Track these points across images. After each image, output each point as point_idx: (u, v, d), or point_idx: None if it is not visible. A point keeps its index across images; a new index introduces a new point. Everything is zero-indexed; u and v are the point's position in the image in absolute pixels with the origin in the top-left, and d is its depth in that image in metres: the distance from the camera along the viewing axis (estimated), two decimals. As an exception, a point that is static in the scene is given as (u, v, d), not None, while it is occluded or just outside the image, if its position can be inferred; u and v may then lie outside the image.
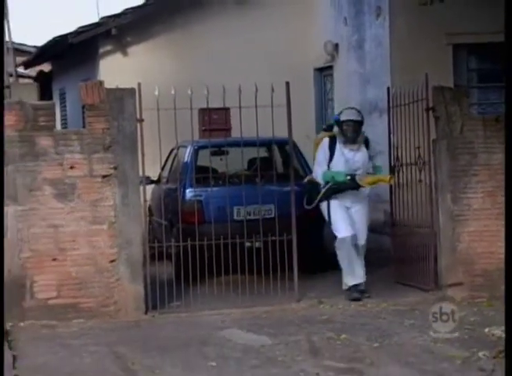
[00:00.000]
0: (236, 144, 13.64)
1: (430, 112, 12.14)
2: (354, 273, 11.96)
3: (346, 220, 11.79)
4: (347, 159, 11.68)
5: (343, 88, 18.47)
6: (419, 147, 12.24)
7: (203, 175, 13.79)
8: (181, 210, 13.19)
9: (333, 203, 11.89)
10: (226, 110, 13.44)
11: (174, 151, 14.54)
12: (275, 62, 16.22)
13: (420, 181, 12.32)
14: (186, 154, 14.28)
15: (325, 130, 12.91)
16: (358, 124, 11.68)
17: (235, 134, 14.33)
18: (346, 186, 11.58)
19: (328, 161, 11.88)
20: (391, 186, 12.94)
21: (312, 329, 10.16)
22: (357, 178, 11.59)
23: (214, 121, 15.02)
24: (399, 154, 12.77)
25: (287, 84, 12.14)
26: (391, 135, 13.03)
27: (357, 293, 11.84)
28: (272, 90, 11.51)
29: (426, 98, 12.10)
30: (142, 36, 18.31)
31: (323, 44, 18.69)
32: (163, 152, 12.73)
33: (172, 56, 17.62)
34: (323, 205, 12.07)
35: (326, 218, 12.19)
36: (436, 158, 12.11)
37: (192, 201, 13.48)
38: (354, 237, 11.92)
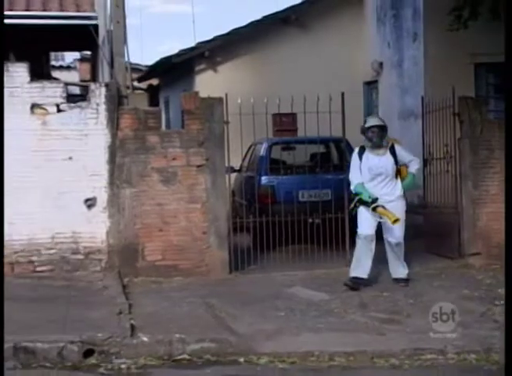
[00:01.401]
0: (301, 142, 13.80)
1: (456, 117, 12.13)
2: (359, 267, 10.46)
3: (369, 220, 10.35)
4: (371, 166, 10.39)
5: (386, 98, 18.38)
6: (447, 145, 12.26)
7: (275, 166, 13.91)
8: (257, 193, 13.30)
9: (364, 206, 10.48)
10: (294, 114, 13.44)
11: (253, 147, 14.69)
12: (332, 76, 16.17)
13: (447, 171, 12.33)
14: (262, 149, 14.31)
15: None
16: (382, 129, 10.51)
17: (300, 134, 14.39)
18: (366, 205, 10.22)
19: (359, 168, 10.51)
20: (424, 176, 12.88)
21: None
22: (376, 204, 10.07)
23: (284, 123, 15.02)
24: (431, 150, 12.76)
25: (342, 94, 12.13)
26: (424, 135, 13.01)
27: (352, 283, 10.36)
28: (330, 99, 11.54)
29: (453, 106, 12.09)
30: (228, 57, 18.34)
31: (371, 63, 18.62)
32: (243, 147, 12.86)
33: (252, 72, 17.63)
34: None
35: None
36: (460, 153, 12.13)
37: (266, 186, 13.56)
38: (371, 236, 10.42)
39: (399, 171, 10.54)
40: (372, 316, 8.97)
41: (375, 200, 10.08)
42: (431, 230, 12.89)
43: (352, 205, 10.51)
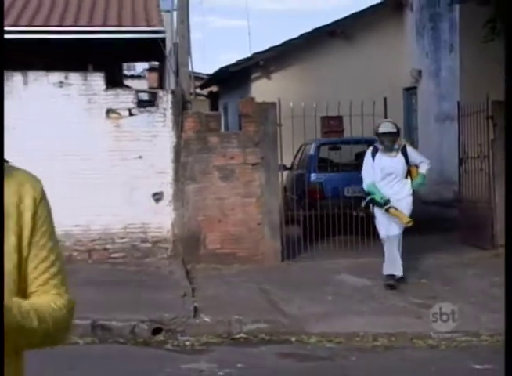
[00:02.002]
0: (347, 142, 13.77)
1: (490, 120, 12.02)
2: (393, 265, 9.83)
3: (384, 224, 9.86)
4: (383, 166, 9.91)
5: (424, 103, 18.21)
6: (481, 145, 12.15)
7: (323, 164, 13.91)
8: (307, 189, 13.28)
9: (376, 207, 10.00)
10: (340, 117, 13.36)
11: (303, 147, 14.68)
12: (375, 83, 16.04)
13: (481, 170, 12.21)
14: (311, 149, 14.28)
15: None
16: (394, 135, 10.01)
17: (346, 135, 14.36)
18: (378, 205, 9.77)
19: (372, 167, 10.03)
20: (459, 174, 12.80)
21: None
22: (389, 205, 9.65)
23: (332, 125, 14.89)
24: (466, 150, 12.67)
25: (385, 99, 12.14)
26: (460, 137, 12.92)
27: (393, 281, 9.76)
28: (374, 103, 11.52)
29: (486, 109, 11.97)
30: (281, 66, 18.31)
31: (410, 71, 18.45)
32: (294, 147, 12.89)
33: (302, 79, 17.59)
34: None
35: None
36: (493, 153, 11.99)
37: (315, 183, 13.54)
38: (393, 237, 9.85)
39: (410, 171, 10.14)
40: (411, 301, 8.96)
41: (387, 201, 9.70)
42: (466, 223, 12.79)
43: (364, 204, 10.23)
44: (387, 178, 9.93)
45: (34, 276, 1.85)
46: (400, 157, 9.94)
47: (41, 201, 1.89)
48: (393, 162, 9.90)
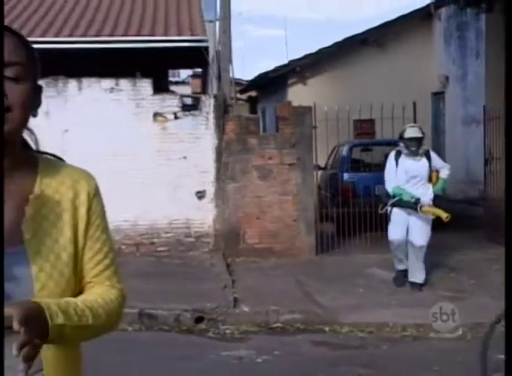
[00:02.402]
0: (378, 144, 13.71)
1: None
2: (414, 273, 9.25)
3: (399, 227, 9.20)
4: (408, 169, 9.29)
5: (451, 106, 18.10)
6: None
7: (355, 165, 13.87)
8: (340, 187, 13.24)
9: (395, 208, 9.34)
10: (372, 120, 13.37)
11: (336, 148, 14.60)
12: (404, 88, 15.91)
13: (505, 170, 12.07)
14: (344, 150, 14.23)
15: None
16: (420, 140, 9.47)
17: (377, 137, 14.32)
18: (408, 205, 9.08)
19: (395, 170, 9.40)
20: (485, 173, 12.67)
21: (427, 269, 10.07)
22: (420, 203, 9.02)
23: (364, 128, 14.98)
24: (491, 151, 12.53)
25: (414, 103, 12.07)
26: (486, 139, 12.79)
27: (402, 278, 9.39)
28: (403, 107, 11.47)
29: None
30: (316, 72, 18.27)
31: (438, 76, 18.37)
32: (328, 149, 12.86)
33: (336, 84, 17.53)
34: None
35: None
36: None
37: (348, 182, 13.49)
38: (402, 241, 9.29)
39: (430, 176, 9.63)
40: (438, 294, 8.87)
41: (418, 200, 9.03)
42: (491, 221, 12.65)
43: (387, 207, 9.37)
44: (412, 181, 9.42)
45: (89, 267, 1.88)
46: (424, 161, 9.47)
47: (95, 197, 1.91)
48: (418, 165, 9.41)
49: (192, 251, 11.24)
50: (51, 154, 1.94)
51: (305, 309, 8.22)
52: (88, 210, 1.88)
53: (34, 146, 1.92)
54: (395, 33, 18.55)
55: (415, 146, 9.34)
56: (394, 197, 9.21)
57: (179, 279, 9.26)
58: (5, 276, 1.63)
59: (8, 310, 1.54)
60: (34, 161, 1.87)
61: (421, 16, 18.85)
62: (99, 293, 1.85)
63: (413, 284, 9.25)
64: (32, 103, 1.77)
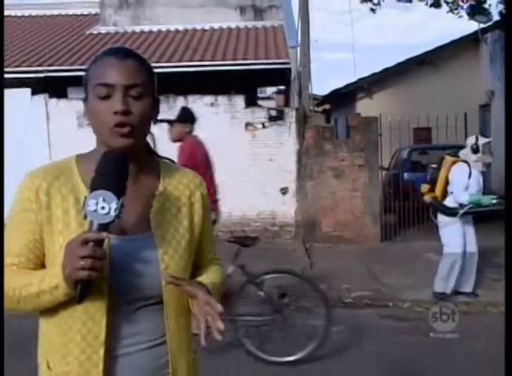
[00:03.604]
0: (434, 148, 13.35)
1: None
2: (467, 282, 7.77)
3: (460, 237, 7.54)
4: (479, 180, 7.44)
5: (496, 117, 17.62)
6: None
7: (414, 166, 13.60)
8: (401, 185, 12.99)
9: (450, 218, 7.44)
10: (429, 128, 13.09)
11: (398, 152, 14.35)
12: (456, 101, 15.48)
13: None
14: (405, 153, 14.00)
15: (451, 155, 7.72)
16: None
17: (433, 142, 14.01)
18: (489, 208, 7.30)
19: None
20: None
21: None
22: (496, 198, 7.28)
23: (421, 135, 14.70)
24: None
25: (465, 114, 11.74)
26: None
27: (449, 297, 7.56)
28: (456, 117, 11.20)
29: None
30: (380, 88, 18.09)
31: (485, 91, 17.92)
32: (391, 152, 12.65)
33: (398, 98, 17.27)
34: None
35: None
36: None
37: (408, 181, 13.20)
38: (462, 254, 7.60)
39: None
40: (486, 276, 8.61)
41: (496, 198, 7.33)
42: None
43: (462, 212, 7.30)
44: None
45: (206, 251, 1.98)
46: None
47: (205, 195, 1.97)
48: (481, 178, 7.59)
49: (277, 238, 11.22)
50: (167, 158, 1.98)
51: (372, 287, 8.11)
52: (203, 206, 1.93)
53: (153, 149, 1.95)
54: (448, 55, 18.27)
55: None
56: (470, 205, 7.30)
57: (266, 261, 9.20)
58: (137, 258, 1.71)
59: (192, 289, 1.74)
60: (156, 164, 1.90)
61: (470, 40, 18.40)
62: (215, 269, 1.99)
63: (468, 294, 7.78)
64: (151, 114, 1.80)
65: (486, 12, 12.78)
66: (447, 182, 7.47)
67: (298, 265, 9.11)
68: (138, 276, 1.70)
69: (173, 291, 1.75)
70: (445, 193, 7.49)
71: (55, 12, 18.20)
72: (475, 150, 7.52)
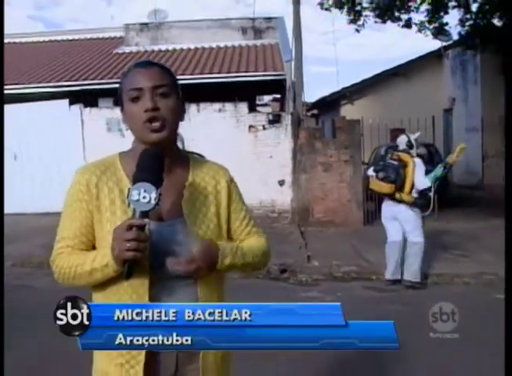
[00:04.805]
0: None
1: (504, 130, 11.22)
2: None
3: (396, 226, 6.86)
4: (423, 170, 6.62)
5: (457, 119, 17.51)
6: (497, 147, 11.39)
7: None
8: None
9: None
10: (403, 129, 12.81)
11: (376, 149, 14.15)
12: (424, 106, 15.35)
13: (497, 164, 11.42)
14: (382, 150, 13.80)
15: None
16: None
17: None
18: (444, 173, 6.57)
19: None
20: (483, 167, 12.04)
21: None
22: (448, 161, 6.47)
23: (397, 135, 14.44)
24: (487, 150, 11.90)
25: (433, 117, 11.54)
26: (483, 141, 12.14)
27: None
28: (425, 120, 11.01)
29: (501, 124, 11.22)
30: (361, 96, 18.02)
31: (448, 98, 17.83)
32: (370, 150, 12.47)
33: (376, 104, 17.18)
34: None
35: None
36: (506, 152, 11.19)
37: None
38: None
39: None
40: (452, 253, 8.49)
41: (445, 164, 6.52)
42: (488, 199, 12.04)
43: (432, 198, 6.64)
44: None
45: (240, 229, 1.94)
46: None
47: (232, 182, 1.96)
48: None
49: (276, 223, 11.08)
50: (195, 153, 1.99)
51: (357, 263, 7.98)
52: (228, 192, 1.91)
53: (181, 146, 1.93)
54: (417, 67, 18.23)
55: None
56: (435, 182, 6.60)
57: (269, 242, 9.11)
58: (172, 241, 1.70)
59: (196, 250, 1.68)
60: (186, 158, 1.90)
61: (435, 56, 18.39)
62: (253, 241, 1.95)
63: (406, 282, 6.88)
64: (179, 111, 1.80)
65: (447, 33, 12.76)
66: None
67: (295, 246, 9.02)
68: (175, 255, 1.69)
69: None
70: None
71: (88, 36, 18.47)
72: (410, 146, 7.05)
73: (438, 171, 6.55)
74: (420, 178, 6.61)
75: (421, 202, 6.69)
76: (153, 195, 1.56)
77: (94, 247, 1.75)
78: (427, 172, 6.63)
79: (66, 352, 4.37)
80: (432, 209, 6.79)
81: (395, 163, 6.83)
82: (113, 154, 1.84)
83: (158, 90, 1.71)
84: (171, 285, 1.72)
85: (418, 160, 6.76)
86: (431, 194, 6.63)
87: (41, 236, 9.65)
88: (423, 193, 6.65)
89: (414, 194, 6.66)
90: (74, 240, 1.73)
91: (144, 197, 1.56)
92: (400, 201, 6.69)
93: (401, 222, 6.78)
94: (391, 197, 6.76)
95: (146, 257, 1.63)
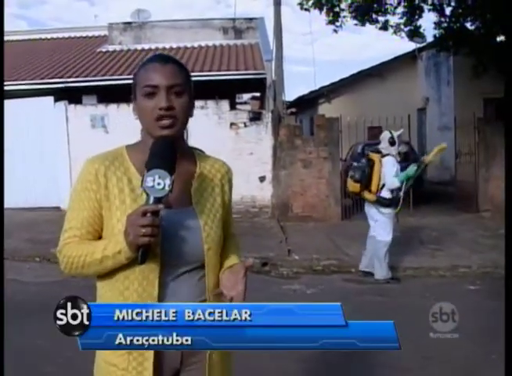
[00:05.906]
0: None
1: (475, 129, 11.23)
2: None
3: (390, 227, 6.85)
4: (398, 168, 6.41)
5: (431, 118, 17.65)
6: (469, 145, 11.43)
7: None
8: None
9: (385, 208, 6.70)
10: (379, 127, 12.91)
11: (354, 147, 14.21)
12: (399, 105, 15.41)
13: (470, 161, 11.50)
14: (359, 148, 13.88)
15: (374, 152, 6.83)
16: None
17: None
18: (417, 173, 6.58)
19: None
20: (455, 164, 12.11)
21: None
22: (423, 161, 6.63)
23: (374, 132, 14.52)
24: (460, 148, 11.96)
25: (409, 116, 11.60)
26: (456, 140, 12.21)
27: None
28: (401, 119, 11.00)
29: (473, 122, 11.25)
30: (338, 94, 18.05)
31: (421, 97, 17.94)
32: (348, 147, 12.50)
33: (352, 103, 17.19)
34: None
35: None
36: (478, 150, 11.25)
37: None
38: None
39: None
40: (428, 247, 8.54)
41: (419, 164, 6.57)
42: (460, 196, 12.13)
43: (402, 196, 6.61)
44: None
45: (228, 224, 1.94)
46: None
47: (231, 178, 1.96)
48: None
49: (257, 218, 11.04)
50: (198, 149, 1.96)
51: (337, 257, 7.97)
52: (229, 188, 1.93)
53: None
54: (392, 68, 18.32)
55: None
56: (407, 180, 6.56)
57: (249, 237, 9.04)
58: (183, 227, 1.70)
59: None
60: (192, 151, 1.90)
61: (409, 57, 18.53)
62: (236, 241, 1.98)
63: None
64: (189, 109, 1.80)
65: (421, 35, 12.83)
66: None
67: (275, 240, 8.99)
68: (184, 242, 1.69)
69: (213, 256, 1.77)
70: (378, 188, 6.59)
71: (72, 34, 18.25)
72: (392, 143, 6.63)
73: (411, 170, 6.48)
74: (389, 177, 6.49)
75: (388, 201, 6.59)
76: (167, 181, 1.56)
77: (100, 238, 1.73)
78: (402, 170, 6.62)
79: (52, 345, 4.28)
80: (399, 207, 6.66)
81: (364, 162, 6.70)
82: (119, 146, 1.82)
83: (173, 89, 1.71)
84: (180, 273, 1.72)
85: (389, 159, 6.54)
86: (401, 193, 6.54)
87: (25, 231, 9.50)
88: (393, 192, 6.59)
89: (386, 192, 6.59)
90: (82, 230, 1.71)
91: (158, 184, 1.55)
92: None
93: (370, 220, 6.88)
94: (359, 195, 6.85)
95: (158, 243, 1.62)
